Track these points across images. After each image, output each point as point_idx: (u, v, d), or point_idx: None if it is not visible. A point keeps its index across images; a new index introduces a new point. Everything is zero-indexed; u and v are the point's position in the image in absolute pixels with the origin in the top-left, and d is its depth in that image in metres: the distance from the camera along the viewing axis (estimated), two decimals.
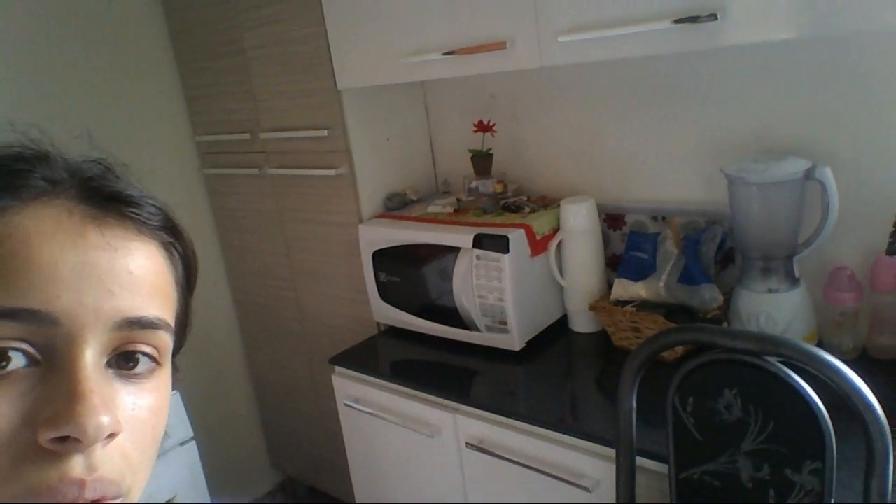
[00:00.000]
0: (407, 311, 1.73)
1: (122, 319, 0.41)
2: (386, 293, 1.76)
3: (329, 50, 1.70)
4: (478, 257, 1.54)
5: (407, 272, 1.71)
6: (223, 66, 2.00)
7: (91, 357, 0.39)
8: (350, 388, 1.66)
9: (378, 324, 1.86)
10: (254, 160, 2.03)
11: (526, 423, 1.33)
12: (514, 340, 1.54)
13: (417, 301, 1.70)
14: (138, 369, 0.43)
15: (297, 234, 2.01)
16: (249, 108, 1.98)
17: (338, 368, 1.70)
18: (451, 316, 1.62)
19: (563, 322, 1.68)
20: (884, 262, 1.30)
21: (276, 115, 1.92)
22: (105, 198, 0.43)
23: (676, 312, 1.43)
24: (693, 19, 1.11)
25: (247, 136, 2.01)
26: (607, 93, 1.65)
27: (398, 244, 1.69)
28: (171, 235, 0.47)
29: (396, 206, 1.86)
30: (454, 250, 1.58)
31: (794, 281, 1.37)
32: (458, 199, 1.79)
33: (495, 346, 1.57)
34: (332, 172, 1.81)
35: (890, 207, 1.26)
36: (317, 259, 1.99)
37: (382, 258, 1.74)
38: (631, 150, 1.65)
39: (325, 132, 1.78)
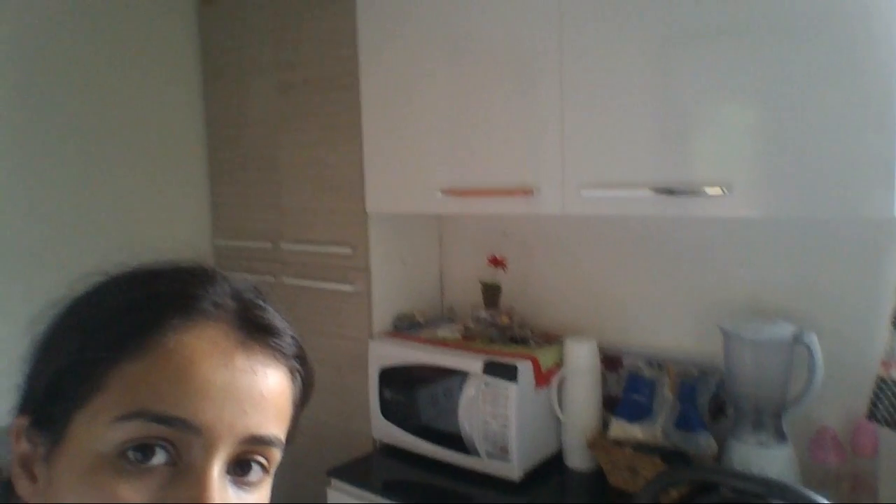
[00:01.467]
0: (407, 430, 1.77)
1: (249, 436, 0.49)
2: (388, 410, 1.81)
3: (363, 175, 1.85)
4: (486, 384, 1.61)
5: (413, 391, 1.77)
6: (255, 179, 2.14)
7: (218, 467, 0.47)
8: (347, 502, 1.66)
9: (375, 440, 1.88)
10: (270, 268, 2.12)
11: None
12: (513, 468, 1.58)
13: (419, 420, 1.75)
14: (250, 477, 0.50)
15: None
16: (274, 219, 2.10)
17: (334, 482, 1.71)
18: (453, 438, 1.67)
19: (558, 456, 1.73)
20: (865, 427, 1.41)
21: (300, 228, 2.04)
22: (256, 327, 0.52)
23: (672, 456, 1.50)
24: (692, 192, 1.29)
25: (268, 244, 2.11)
26: (614, 242, 1.81)
27: (408, 363, 1.76)
28: (300, 363, 0.56)
29: (405, 327, 1.95)
30: (463, 374, 1.66)
31: (782, 437, 1.46)
32: (466, 327, 1.88)
33: (494, 473, 1.61)
34: (349, 288, 1.91)
35: (870, 374, 1.39)
36: (318, 371, 2.03)
37: (390, 375, 1.80)
38: (632, 298, 1.78)
39: (349, 250, 1.90)
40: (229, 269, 2.01)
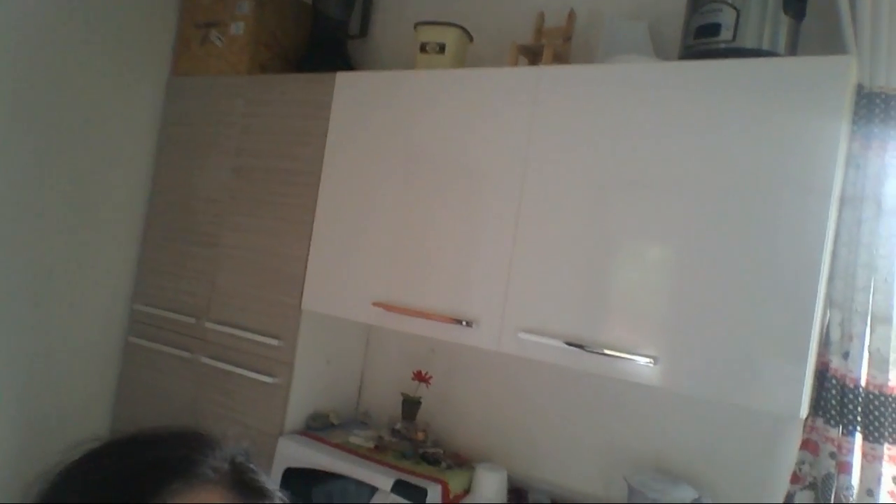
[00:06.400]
0: None
1: None
2: None
3: (305, 271, 1.87)
4: (394, 502, 1.60)
5: (317, 497, 1.72)
6: (191, 253, 2.11)
7: None
8: None
9: None
10: (189, 344, 2.06)
11: None
12: None
13: None
14: None
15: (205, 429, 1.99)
16: (204, 295, 2.06)
17: None
18: None
19: None
20: None
21: (229, 311, 2.00)
22: (250, 490, 0.56)
23: None
24: (622, 356, 1.38)
25: (192, 319, 2.06)
26: (537, 381, 1.87)
27: (315, 467, 1.73)
28: None
29: (318, 427, 1.92)
30: (371, 489, 1.64)
31: None
32: (380, 437, 1.88)
33: None
34: (269, 380, 1.87)
35: None
36: None
37: (293, 477, 1.75)
38: (545, 435, 1.84)
39: (277, 342, 1.88)
40: (141, 337, 1.97)
